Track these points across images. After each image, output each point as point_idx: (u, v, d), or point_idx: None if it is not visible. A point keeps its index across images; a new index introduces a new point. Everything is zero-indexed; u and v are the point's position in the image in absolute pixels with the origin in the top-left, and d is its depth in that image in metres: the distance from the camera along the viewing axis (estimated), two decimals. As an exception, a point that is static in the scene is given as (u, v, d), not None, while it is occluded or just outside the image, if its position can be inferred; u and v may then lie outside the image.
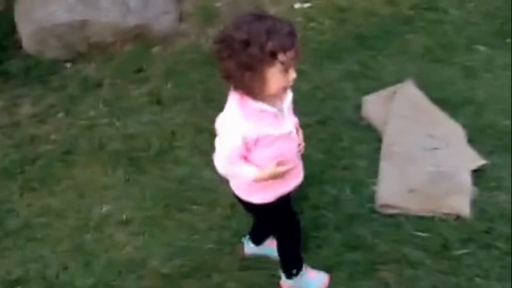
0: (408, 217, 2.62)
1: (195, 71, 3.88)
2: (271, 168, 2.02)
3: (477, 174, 2.77)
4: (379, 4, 4.21)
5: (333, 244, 2.54)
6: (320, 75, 3.60)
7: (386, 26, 3.97)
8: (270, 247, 2.49)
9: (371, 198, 2.72)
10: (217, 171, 2.06)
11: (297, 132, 2.10)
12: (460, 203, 2.61)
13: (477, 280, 2.32)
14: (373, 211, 2.67)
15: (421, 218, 2.60)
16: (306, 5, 4.34)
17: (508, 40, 3.73)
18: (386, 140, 2.99)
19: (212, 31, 4.20)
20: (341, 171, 2.90)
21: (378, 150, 2.97)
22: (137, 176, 3.16)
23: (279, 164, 2.02)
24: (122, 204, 3.01)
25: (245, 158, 2.03)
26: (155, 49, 4.20)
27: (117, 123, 3.59)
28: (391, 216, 2.64)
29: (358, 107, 3.27)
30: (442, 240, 2.48)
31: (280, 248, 2.37)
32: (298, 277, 2.38)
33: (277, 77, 1.87)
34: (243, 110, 1.94)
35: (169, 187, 3.02)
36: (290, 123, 2.04)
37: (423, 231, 2.53)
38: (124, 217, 2.93)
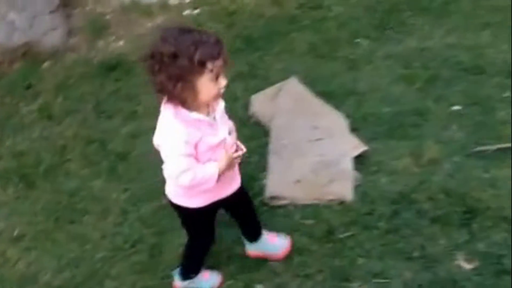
0: (296, 206, 2.71)
1: (85, 84, 3.87)
2: (226, 155, 2.10)
3: (359, 160, 2.91)
4: (266, 5, 4.35)
5: (225, 240, 2.59)
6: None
7: (273, 27, 4.10)
8: (271, 244, 2.50)
9: (261, 191, 2.79)
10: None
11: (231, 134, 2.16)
12: (343, 189, 2.73)
13: (360, 260, 2.43)
14: (263, 203, 2.74)
15: (307, 206, 2.69)
16: (196, 11, 4.40)
17: (388, 32, 3.95)
18: (273, 135, 3.08)
19: (102, 44, 4.20)
20: (233, 169, 2.97)
21: (267, 145, 3.05)
22: (28, 192, 3.13)
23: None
24: (13, 221, 2.98)
25: (197, 159, 2.07)
26: (45, 65, 4.16)
27: (7, 142, 3.53)
28: (280, 207, 2.72)
29: (247, 106, 3.36)
30: (326, 225, 2.58)
31: (188, 252, 2.41)
32: (193, 279, 2.44)
33: (207, 86, 1.94)
34: (181, 120, 1.99)
35: (60, 200, 3.00)
36: (224, 130, 2.11)
37: (309, 219, 2.62)
38: (16, 233, 2.90)
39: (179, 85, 1.91)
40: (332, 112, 3.19)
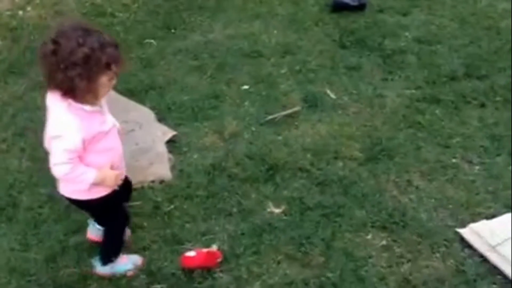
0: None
1: None
2: (107, 171, 2.25)
3: (171, 144, 3.23)
4: (49, 17, 4.45)
5: (55, 235, 2.70)
6: (6, 92, 3.69)
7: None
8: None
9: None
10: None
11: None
12: (161, 169, 3.02)
13: (187, 225, 2.74)
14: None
15: (133, 190, 2.92)
16: (-25, 30, 4.31)
17: (173, 31, 4.32)
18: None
19: None
20: (49, 172, 3.01)
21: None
22: None
23: (111, 168, 2.27)
24: None
25: (80, 159, 2.18)
26: None
27: None
28: (105, 197, 2.91)
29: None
30: (152, 203, 2.85)
31: (107, 238, 2.54)
32: (113, 263, 2.54)
33: (105, 84, 2.12)
34: (76, 113, 2.11)
35: None
36: (110, 117, 2.31)
37: (136, 200, 2.86)
38: None
39: (83, 83, 2.03)
40: (137, 106, 3.45)
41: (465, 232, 2.68)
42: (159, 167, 3.02)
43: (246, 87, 3.71)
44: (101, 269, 2.56)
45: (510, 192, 2.89)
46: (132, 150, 3.10)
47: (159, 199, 2.87)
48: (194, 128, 3.37)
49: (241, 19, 4.46)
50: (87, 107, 2.14)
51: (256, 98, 3.60)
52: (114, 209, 2.46)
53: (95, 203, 2.34)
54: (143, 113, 3.40)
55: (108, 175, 2.27)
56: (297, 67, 3.91)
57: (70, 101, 2.10)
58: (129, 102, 3.49)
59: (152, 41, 4.21)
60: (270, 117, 3.42)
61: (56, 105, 2.13)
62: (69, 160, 2.15)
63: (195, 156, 3.17)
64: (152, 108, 3.48)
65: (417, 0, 4.69)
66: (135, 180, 2.94)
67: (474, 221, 2.73)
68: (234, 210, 2.81)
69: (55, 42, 2.03)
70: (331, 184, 2.95)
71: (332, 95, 3.62)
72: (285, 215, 2.79)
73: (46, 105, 2.21)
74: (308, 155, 3.14)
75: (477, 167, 3.07)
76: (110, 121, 2.30)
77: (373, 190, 2.92)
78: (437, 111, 3.47)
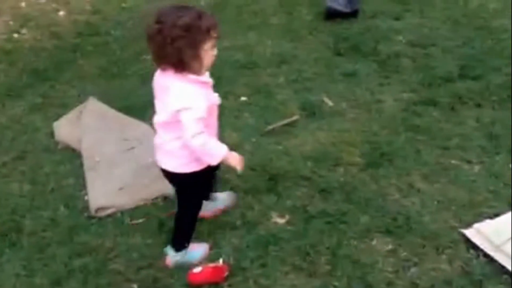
0: (124, 212, 2.90)
1: None
2: (235, 155, 2.42)
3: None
4: (44, 39, 4.45)
5: (60, 259, 2.67)
6: (4, 115, 3.68)
7: (57, 57, 4.24)
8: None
9: (86, 207, 2.93)
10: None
11: None
12: (164, 186, 2.98)
13: (192, 241, 2.73)
14: (91, 217, 2.88)
15: (135, 208, 2.90)
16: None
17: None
18: (85, 154, 3.22)
19: None
20: (50, 194, 3.04)
21: (82, 166, 3.19)
22: None
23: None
24: None
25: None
26: None
27: None
28: (109, 216, 2.89)
29: (51, 134, 3.45)
30: (157, 220, 2.83)
31: (181, 222, 2.60)
32: (186, 250, 2.61)
33: (209, 53, 2.23)
34: (195, 83, 2.24)
35: None
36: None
37: (139, 218, 2.84)
38: None
39: (191, 52, 2.16)
40: (137, 123, 3.44)
41: (469, 232, 2.67)
42: (161, 184, 2.98)
43: (244, 98, 3.71)
44: (174, 257, 2.60)
45: (511, 190, 2.88)
46: (132, 169, 3.10)
47: (163, 216, 2.86)
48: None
49: (236, 31, 4.47)
50: (201, 78, 2.28)
51: (254, 109, 3.60)
52: (203, 185, 2.58)
53: (194, 176, 2.42)
54: (143, 130, 3.39)
55: (234, 155, 2.42)
56: (294, 76, 3.91)
57: (185, 73, 2.22)
58: (128, 119, 3.49)
59: (148, 57, 4.20)
60: (270, 127, 3.41)
61: (174, 81, 2.24)
62: (202, 129, 2.25)
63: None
64: (152, 124, 3.46)
65: (409, 4, 4.72)
66: (136, 199, 2.95)
67: (477, 221, 2.71)
68: (238, 222, 2.79)
69: (158, 22, 2.18)
70: (334, 191, 2.93)
71: (330, 103, 3.61)
72: (289, 225, 2.77)
73: (158, 86, 2.34)
74: (309, 163, 3.12)
75: (477, 167, 3.06)
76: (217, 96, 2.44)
77: (376, 195, 2.90)
78: (434, 113, 3.47)
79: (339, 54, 4.14)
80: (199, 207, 2.61)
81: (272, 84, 3.84)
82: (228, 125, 3.43)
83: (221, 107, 3.60)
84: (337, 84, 3.80)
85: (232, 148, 3.22)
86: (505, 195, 2.86)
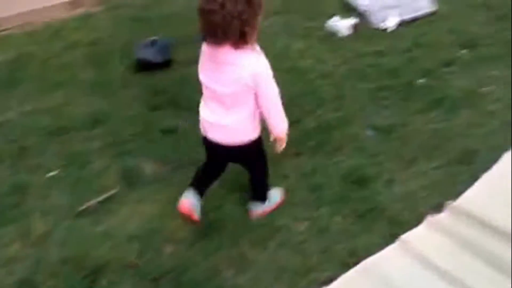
0: None
1: None
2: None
3: None
4: None
5: None
6: None
7: None
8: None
9: None
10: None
11: None
12: None
13: None
14: None
15: None
16: None
17: None
18: None
19: None
20: None
21: None
22: None
23: None
24: None
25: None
26: None
27: None
28: None
29: None
30: None
31: (258, 179, 2.82)
32: (269, 197, 2.87)
33: (259, 26, 2.31)
34: (258, 53, 2.38)
35: None
36: None
37: None
38: None
39: (252, 25, 2.24)
40: None
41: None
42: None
43: (53, 173, 3.15)
44: (262, 208, 2.85)
45: (342, 246, 2.72)
46: None
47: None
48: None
49: (41, 90, 3.85)
50: (258, 48, 2.39)
51: (66, 185, 3.06)
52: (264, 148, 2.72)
53: (257, 142, 2.59)
54: None
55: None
56: (110, 139, 3.43)
57: (244, 46, 2.28)
58: None
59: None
60: (85, 205, 2.91)
61: (237, 54, 2.29)
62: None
63: (1, 271, 2.56)
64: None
65: (221, 49, 4.50)
66: None
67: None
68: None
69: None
70: (165, 277, 2.54)
71: (149, 168, 3.21)
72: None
73: (213, 64, 2.37)
74: (135, 245, 2.69)
75: (304, 224, 2.86)
76: None
77: (208, 273, 2.57)
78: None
79: (157, 109, 3.75)
80: (266, 159, 2.77)
81: (86, 152, 3.32)
82: (34, 209, 2.88)
83: (25, 187, 3.07)
84: (158, 144, 3.42)
85: (40, 238, 2.71)
86: (337, 252, 2.69)
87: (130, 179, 3.11)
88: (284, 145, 2.62)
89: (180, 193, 2.96)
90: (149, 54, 4.09)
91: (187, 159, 3.25)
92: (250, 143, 2.55)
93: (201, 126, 2.62)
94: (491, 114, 3.41)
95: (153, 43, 4.16)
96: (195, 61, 4.33)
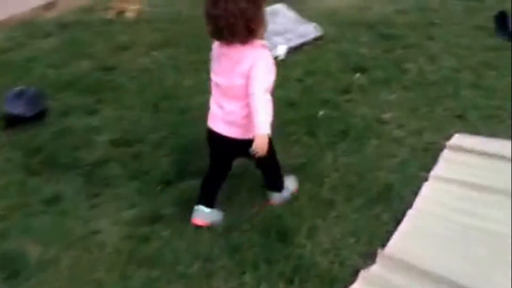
0: None
1: None
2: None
3: None
4: None
5: None
6: None
7: None
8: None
9: None
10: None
11: None
12: None
13: None
14: None
15: None
16: None
17: None
18: None
19: None
20: None
21: None
22: None
23: None
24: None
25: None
26: None
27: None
28: None
29: None
30: None
31: (271, 172, 2.82)
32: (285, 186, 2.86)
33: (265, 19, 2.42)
34: (267, 49, 2.46)
35: None
36: None
37: None
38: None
39: (259, 20, 2.32)
40: None
41: None
42: None
43: None
44: (280, 196, 2.84)
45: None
46: None
47: None
48: None
49: None
50: (265, 42, 2.45)
51: None
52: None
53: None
54: None
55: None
56: (-23, 219, 2.80)
57: (253, 40, 2.36)
58: None
59: None
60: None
61: (250, 50, 2.37)
62: (268, 92, 2.46)
63: None
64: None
65: (100, 92, 3.96)
66: None
67: None
68: None
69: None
70: None
71: (35, 254, 2.62)
72: None
73: (224, 59, 2.44)
74: None
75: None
76: None
77: None
78: (163, 233, 2.78)
79: (33, 173, 3.15)
80: (275, 152, 2.72)
81: None
82: None
83: None
84: (39, 219, 2.83)
85: None
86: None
87: (12, 267, 2.51)
88: (264, 150, 2.45)
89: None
90: (18, 107, 3.48)
91: (77, 237, 2.72)
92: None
93: (209, 123, 2.65)
94: (398, 141, 3.25)
95: (21, 93, 3.55)
96: (73, 108, 3.84)
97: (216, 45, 2.48)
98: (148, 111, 3.75)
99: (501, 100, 3.50)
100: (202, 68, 4.07)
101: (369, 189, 2.92)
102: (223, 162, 2.76)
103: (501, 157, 2.98)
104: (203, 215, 2.75)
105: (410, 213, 2.72)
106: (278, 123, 3.40)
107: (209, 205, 2.76)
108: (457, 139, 3.18)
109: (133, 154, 3.32)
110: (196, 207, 2.75)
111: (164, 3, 5.22)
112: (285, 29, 4.30)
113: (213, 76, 2.55)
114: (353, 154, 3.19)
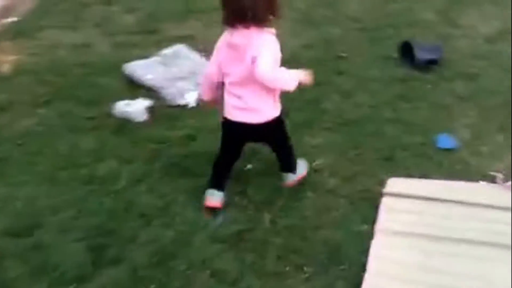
0: None
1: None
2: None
3: None
4: None
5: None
6: None
7: None
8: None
9: None
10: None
11: None
12: None
13: None
14: None
15: None
16: None
17: None
18: None
19: None
20: None
21: None
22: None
23: None
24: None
25: None
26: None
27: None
28: None
29: None
30: None
31: (286, 154, 2.91)
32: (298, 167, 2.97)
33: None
34: (275, 37, 2.53)
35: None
36: None
37: None
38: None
39: (269, 7, 2.46)
40: None
41: None
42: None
43: None
44: (294, 177, 2.95)
45: None
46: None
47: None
48: None
49: None
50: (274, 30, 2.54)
51: None
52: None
53: (280, 118, 2.73)
54: None
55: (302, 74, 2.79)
56: None
57: (268, 30, 2.49)
58: None
59: None
60: None
61: (255, 34, 2.46)
62: (275, 65, 2.51)
63: None
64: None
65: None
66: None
67: None
68: None
69: None
70: None
71: None
72: None
73: (234, 47, 2.53)
74: None
75: None
76: None
77: None
78: None
79: None
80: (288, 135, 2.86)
81: None
82: None
83: None
84: None
85: None
86: None
87: None
88: (308, 76, 2.75)
89: None
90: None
91: None
92: (272, 121, 2.68)
93: (227, 115, 2.70)
94: (334, 192, 2.99)
95: None
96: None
97: (225, 36, 2.59)
98: (44, 186, 3.12)
99: (423, 135, 3.39)
100: (102, 125, 3.60)
101: (316, 254, 2.62)
102: (237, 148, 2.85)
103: (443, 201, 2.85)
104: (216, 197, 2.82)
105: (366, 277, 2.46)
106: (201, 182, 3.04)
107: (221, 188, 2.83)
108: (392, 184, 3.00)
109: (34, 245, 2.69)
110: (208, 190, 2.83)
111: (45, 50, 4.55)
112: (191, 72, 3.90)
113: (225, 69, 2.62)
114: (290, 212, 2.87)
